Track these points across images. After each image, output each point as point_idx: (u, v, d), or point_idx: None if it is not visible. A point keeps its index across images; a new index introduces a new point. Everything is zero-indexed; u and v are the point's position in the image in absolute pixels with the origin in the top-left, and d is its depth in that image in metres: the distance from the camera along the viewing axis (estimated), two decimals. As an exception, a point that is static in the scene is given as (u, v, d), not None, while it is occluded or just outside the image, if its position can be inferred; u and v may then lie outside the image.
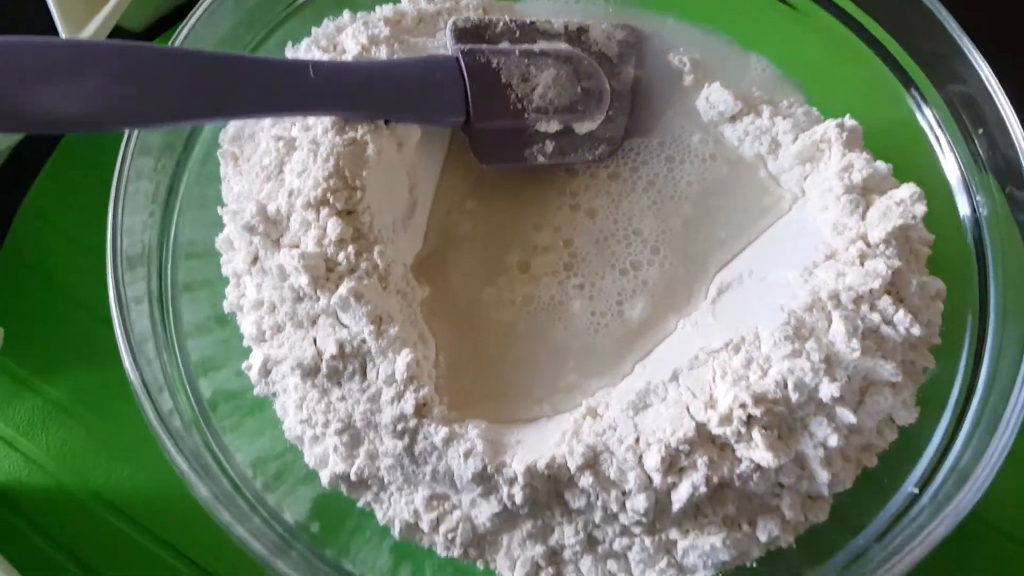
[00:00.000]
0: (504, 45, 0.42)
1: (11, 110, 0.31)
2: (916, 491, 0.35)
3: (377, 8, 0.44)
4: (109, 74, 0.32)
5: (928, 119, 0.41)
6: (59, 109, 0.31)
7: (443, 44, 0.42)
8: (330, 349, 0.37)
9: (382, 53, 0.41)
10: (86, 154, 0.50)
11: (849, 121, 0.40)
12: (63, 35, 0.44)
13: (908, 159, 0.41)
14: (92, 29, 0.44)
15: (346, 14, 0.43)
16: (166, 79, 0.33)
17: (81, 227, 0.48)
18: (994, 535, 0.42)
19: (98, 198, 0.49)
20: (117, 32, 0.46)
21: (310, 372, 0.37)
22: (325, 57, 0.40)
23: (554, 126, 0.42)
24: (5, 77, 0.30)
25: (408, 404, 0.37)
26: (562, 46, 0.43)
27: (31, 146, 0.50)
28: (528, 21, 0.43)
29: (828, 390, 0.34)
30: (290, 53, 0.42)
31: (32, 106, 0.31)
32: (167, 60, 0.34)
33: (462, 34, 0.42)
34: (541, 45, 0.42)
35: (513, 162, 0.42)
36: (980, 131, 0.39)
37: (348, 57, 0.40)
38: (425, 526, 0.38)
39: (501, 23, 0.42)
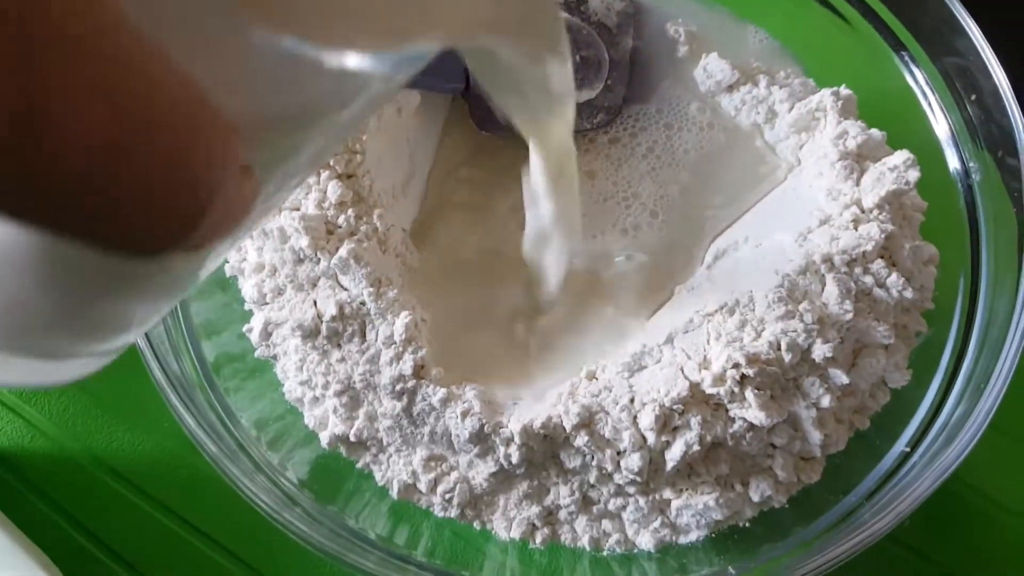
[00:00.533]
0: None
1: None
2: (907, 450, 0.36)
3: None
4: None
5: (922, 87, 0.42)
6: None
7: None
8: (330, 311, 0.37)
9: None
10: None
11: (844, 90, 0.41)
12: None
13: (902, 127, 0.41)
14: None
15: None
16: None
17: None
18: (989, 505, 0.42)
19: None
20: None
21: (310, 334, 0.38)
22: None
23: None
24: None
25: (407, 365, 0.37)
26: (567, 16, 0.43)
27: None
28: None
29: (821, 350, 0.35)
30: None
31: None
32: None
33: None
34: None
35: (512, 129, 0.42)
36: (973, 98, 0.39)
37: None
38: (423, 487, 0.38)
39: None
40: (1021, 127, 0.37)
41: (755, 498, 0.36)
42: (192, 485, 0.43)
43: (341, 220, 0.38)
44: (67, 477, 0.44)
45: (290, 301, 0.39)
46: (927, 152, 0.40)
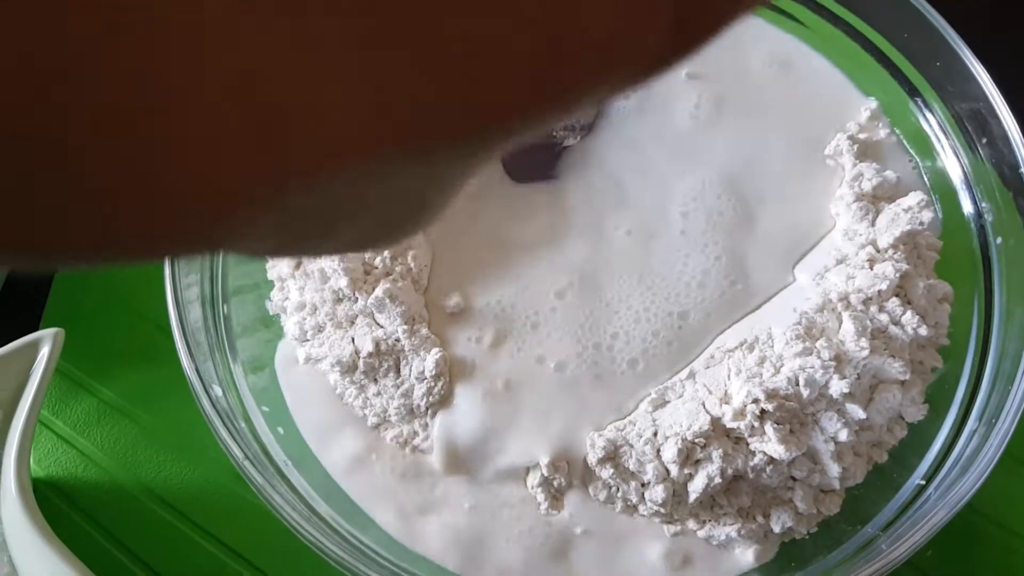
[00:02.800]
0: None
1: None
2: (923, 483, 0.37)
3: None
4: None
5: (935, 130, 0.43)
6: None
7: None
8: (367, 347, 0.39)
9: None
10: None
11: (860, 134, 0.42)
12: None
13: (917, 167, 0.43)
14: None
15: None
16: None
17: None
18: (1004, 535, 0.43)
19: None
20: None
21: (348, 369, 0.40)
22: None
23: (579, 140, 0.44)
24: None
25: (436, 400, 0.39)
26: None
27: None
28: None
29: (838, 386, 0.36)
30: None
31: None
32: None
33: None
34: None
35: (544, 179, 0.44)
36: (984, 141, 0.41)
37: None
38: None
39: None
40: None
41: (776, 529, 0.38)
42: (235, 512, 0.45)
43: (377, 261, 0.40)
44: (117, 505, 0.46)
45: (329, 338, 0.41)
46: (941, 192, 0.42)
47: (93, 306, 0.50)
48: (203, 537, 0.45)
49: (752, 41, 0.45)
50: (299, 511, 0.37)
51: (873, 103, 0.44)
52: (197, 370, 0.38)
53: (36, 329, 0.43)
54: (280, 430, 0.40)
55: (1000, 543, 0.43)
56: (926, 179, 0.43)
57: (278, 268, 0.42)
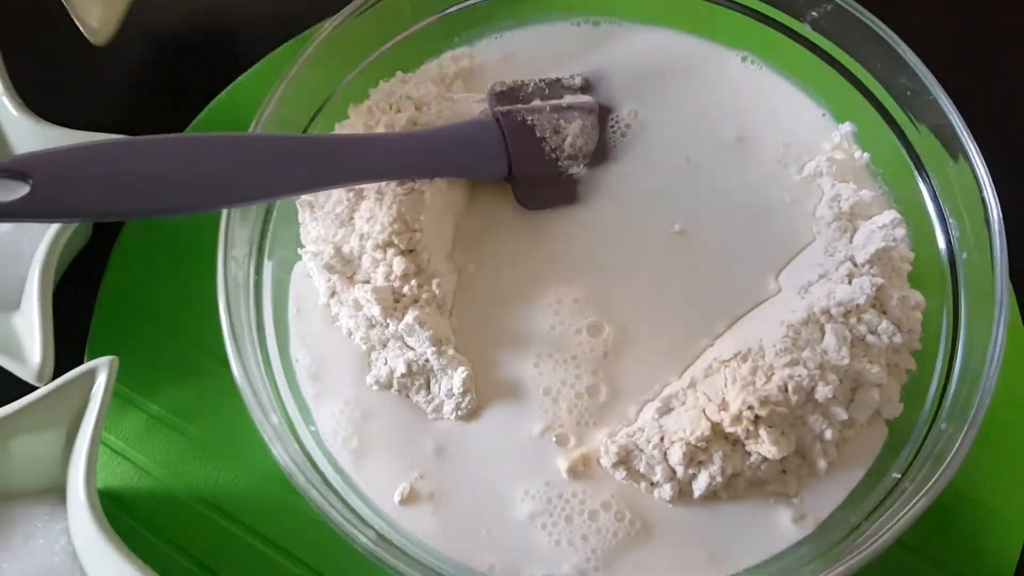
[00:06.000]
0: (536, 103, 0.48)
1: (136, 201, 0.38)
2: (899, 476, 0.42)
3: (423, 66, 0.51)
4: (218, 163, 0.39)
5: (906, 151, 0.47)
6: (178, 196, 0.38)
7: (483, 98, 0.49)
8: (400, 368, 0.44)
9: (432, 110, 0.47)
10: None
11: (837, 155, 0.47)
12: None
13: (890, 188, 0.47)
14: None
15: (398, 75, 0.50)
16: (265, 164, 0.41)
17: (170, 265, 0.55)
18: (971, 506, 0.48)
19: (181, 235, 0.56)
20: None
21: (384, 388, 0.44)
22: (384, 117, 0.47)
23: (583, 170, 0.48)
24: (129, 178, 0.37)
25: (463, 414, 0.44)
26: (585, 98, 0.49)
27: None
28: (554, 78, 0.49)
29: (823, 392, 0.41)
30: (352, 112, 0.49)
31: (149, 201, 0.38)
32: (265, 147, 0.41)
33: (500, 96, 0.48)
34: (568, 99, 0.49)
35: (552, 205, 0.48)
36: (952, 163, 0.45)
37: (403, 117, 0.47)
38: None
39: (532, 84, 0.49)
40: (989, 188, 0.43)
41: (771, 518, 0.42)
42: (282, 513, 0.49)
43: (406, 289, 0.44)
44: (172, 511, 0.50)
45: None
46: (912, 209, 0.46)
47: (137, 329, 0.54)
48: (255, 538, 0.49)
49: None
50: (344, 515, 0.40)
51: (848, 127, 0.48)
52: (251, 386, 0.42)
53: (82, 352, 0.47)
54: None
55: (972, 516, 0.48)
56: (899, 197, 0.47)
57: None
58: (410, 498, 0.43)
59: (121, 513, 0.50)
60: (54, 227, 0.49)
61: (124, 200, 0.38)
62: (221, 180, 0.40)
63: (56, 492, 0.48)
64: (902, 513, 0.39)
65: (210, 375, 0.53)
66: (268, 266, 0.47)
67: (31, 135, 0.52)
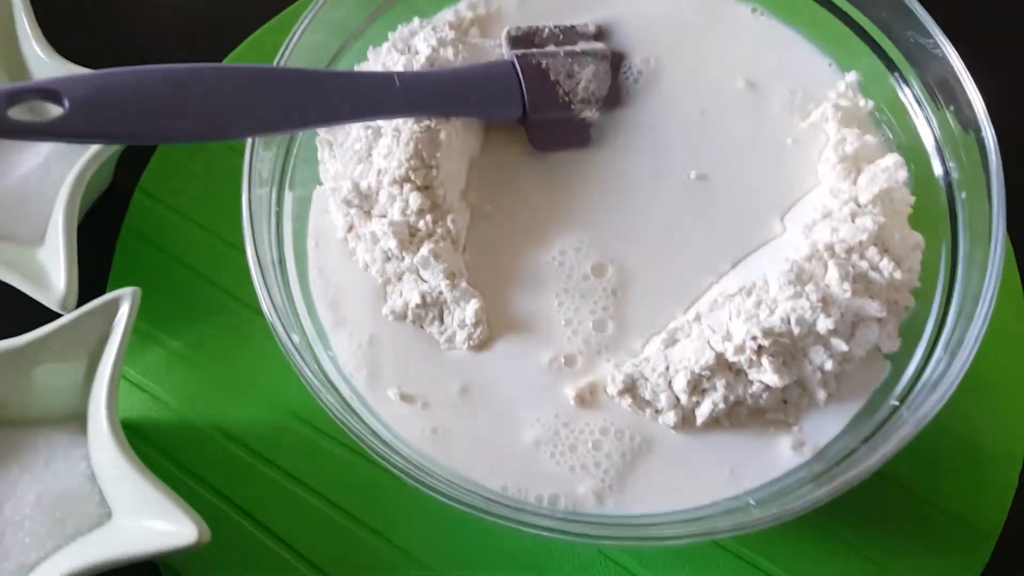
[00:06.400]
0: (550, 48, 0.50)
1: (162, 128, 0.40)
2: (897, 403, 0.43)
3: (440, 13, 0.52)
4: (243, 92, 0.41)
5: (909, 98, 0.49)
6: (202, 124, 0.40)
7: (498, 44, 0.50)
8: (414, 300, 0.45)
9: (449, 54, 0.49)
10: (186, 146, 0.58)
11: (842, 102, 0.48)
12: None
13: (894, 132, 0.49)
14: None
15: (416, 20, 0.51)
16: (287, 95, 0.42)
17: (190, 206, 0.57)
18: (969, 450, 0.50)
19: (201, 180, 0.58)
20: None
21: (400, 318, 0.46)
22: (402, 59, 0.48)
23: (596, 114, 0.50)
24: (158, 101, 0.39)
25: (475, 344, 0.45)
26: (598, 45, 0.51)
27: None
28: (569, 25, 0.51)
29: (824, 324, 0.42)
30: (371, 54, 0.50)
31: (178, 124, 0.40)
32: (287, 79, 0.43)
33: (515, 41, 0.50)
34: (581, 45, 0.50)
35: (565, 147, 0.49)
36: (952, 108, 0.46)
37: (421, 58, 0.48)
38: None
39: (547, 29, 0.50)
40: (989, 132, 0.44)
41: (771, 446, 0.44)
42: (296, 445, 0.51)
43: (421, 224, 0.46)
44: (189, 441, 0.52)
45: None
46: (914, 152, 0.48)
47: (157, 268, 0.55)
48: (268, 467, 0.51)
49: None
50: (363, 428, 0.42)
51: (853, 76, 0.49)
52: (277, 313, 0.43)
53: (103, 292, 0.48)
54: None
55: (965, 457, 0.50)
56: (901, 142, 0.48)
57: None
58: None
59: (139, 443, 0.51)
60: (78, 165, 0.51)
61: (154, 123, 0.40)
62: (247, 108, 0.41)
63: (76, 420, 0.50)
64: (894, 438, 0.40)
65: (230, 313, 0.54)
66: (288, 198, 0.48)
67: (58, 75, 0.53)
